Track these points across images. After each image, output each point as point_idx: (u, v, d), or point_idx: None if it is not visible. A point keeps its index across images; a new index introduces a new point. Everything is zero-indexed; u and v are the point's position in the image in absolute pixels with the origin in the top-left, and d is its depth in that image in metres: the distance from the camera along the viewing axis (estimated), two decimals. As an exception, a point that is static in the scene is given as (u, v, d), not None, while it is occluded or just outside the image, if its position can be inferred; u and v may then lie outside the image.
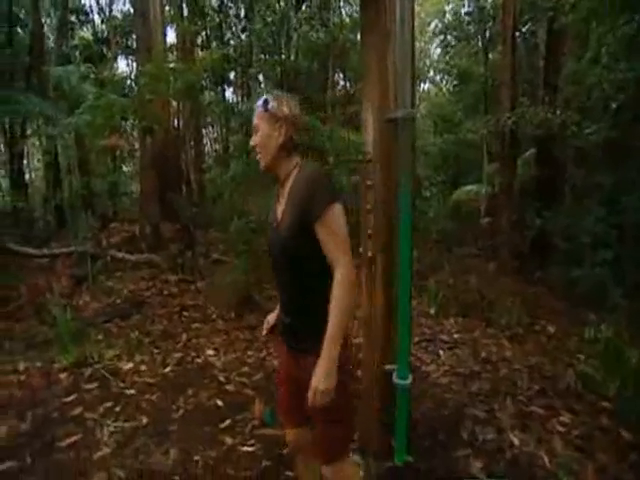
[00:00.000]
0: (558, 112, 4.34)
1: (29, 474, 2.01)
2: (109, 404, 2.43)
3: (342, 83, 8.73)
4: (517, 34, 5.63)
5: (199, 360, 2.96)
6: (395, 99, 1.59)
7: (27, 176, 8.79)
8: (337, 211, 1.11)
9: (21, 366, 2.99)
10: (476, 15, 9.00)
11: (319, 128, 4.42)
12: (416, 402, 2.23)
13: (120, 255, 4.62)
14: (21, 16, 8.67)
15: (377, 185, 1.72)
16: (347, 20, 8.70)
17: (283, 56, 5.25)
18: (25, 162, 8.18)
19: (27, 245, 5.55)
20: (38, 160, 10.06)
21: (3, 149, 6.42)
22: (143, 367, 2.75)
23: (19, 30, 8.38)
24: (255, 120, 1.25)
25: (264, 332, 1.49)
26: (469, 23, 9.57)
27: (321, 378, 1.07)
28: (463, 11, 9.90)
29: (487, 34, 8.51)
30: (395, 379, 1.67)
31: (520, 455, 1.92)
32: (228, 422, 2.19)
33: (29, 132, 7.70)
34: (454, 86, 10.99)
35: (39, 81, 7.53)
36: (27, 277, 4.65)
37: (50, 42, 9.30)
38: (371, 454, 1.83)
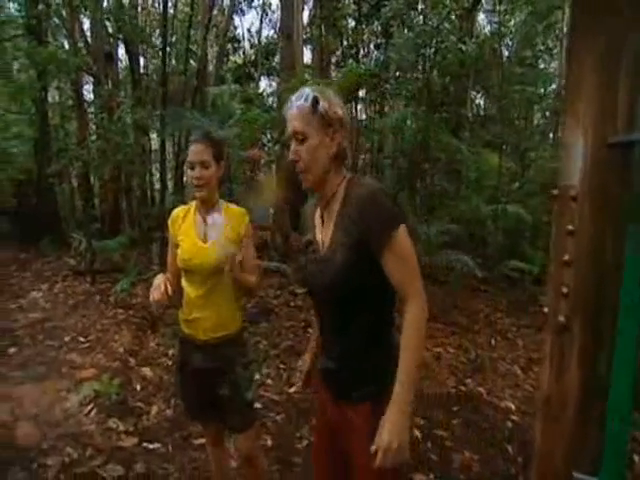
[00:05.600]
0: None
1: (168, 462, 2.19)
2: (237, 412, 2.53)
3: (481, 102, 8.01)
4: None
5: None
6: (628, 115, 1.15)
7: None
8: (404, 234, 0.97)
9: (170, 351, 3.43)
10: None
11: (459, 149, 4.04)
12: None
13: (252, 259, 5.06)
14: (193, 48, 10.54)
15: (582, 230, 1.33)
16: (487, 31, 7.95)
17: (422, 72, 5.03)
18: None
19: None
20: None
21: (172, 157, 7.76)
22: (269, 381, 2.80)
23: (191, 60, 10.19)
24: (296, 124, 1.02)
25: (298, 387, 1.32)
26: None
27: (394, 432, 0.89)
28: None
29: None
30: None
31: None
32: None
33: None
34: None
35: (201, 100, 8.95)
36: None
37: (211, 67, 11.03)
38: None
